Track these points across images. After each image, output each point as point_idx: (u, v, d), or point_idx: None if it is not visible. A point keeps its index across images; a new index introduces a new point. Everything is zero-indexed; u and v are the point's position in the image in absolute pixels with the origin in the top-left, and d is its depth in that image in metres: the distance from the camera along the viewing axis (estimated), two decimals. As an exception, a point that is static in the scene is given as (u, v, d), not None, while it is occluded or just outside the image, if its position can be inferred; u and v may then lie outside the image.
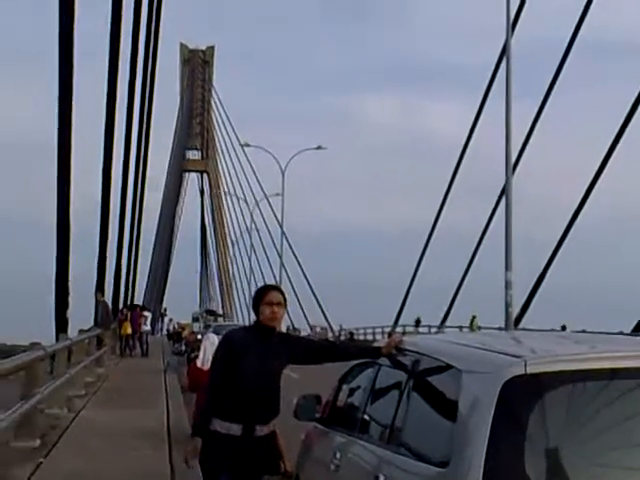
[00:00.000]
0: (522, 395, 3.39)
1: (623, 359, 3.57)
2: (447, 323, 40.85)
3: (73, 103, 16.73)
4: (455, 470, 3.40)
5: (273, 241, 65.23)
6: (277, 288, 5.49)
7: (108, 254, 27.86)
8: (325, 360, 5.50)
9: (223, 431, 4.99)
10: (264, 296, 5.21)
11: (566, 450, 3.28)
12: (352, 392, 5.58)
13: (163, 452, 10.16)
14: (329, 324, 56.90)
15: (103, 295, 25.98)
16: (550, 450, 3.29)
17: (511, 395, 3.37)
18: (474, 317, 38.03)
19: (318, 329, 57.34)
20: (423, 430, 4.08)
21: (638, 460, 3.32)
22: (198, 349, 13.64)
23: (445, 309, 40.10)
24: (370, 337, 47.34)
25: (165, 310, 46.88)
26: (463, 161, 37.18)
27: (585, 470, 3.26)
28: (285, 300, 5.31)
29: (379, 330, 49.25)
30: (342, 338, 49.63)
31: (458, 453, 3.43)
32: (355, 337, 49.21)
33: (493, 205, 32.74)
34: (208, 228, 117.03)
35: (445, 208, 39.62)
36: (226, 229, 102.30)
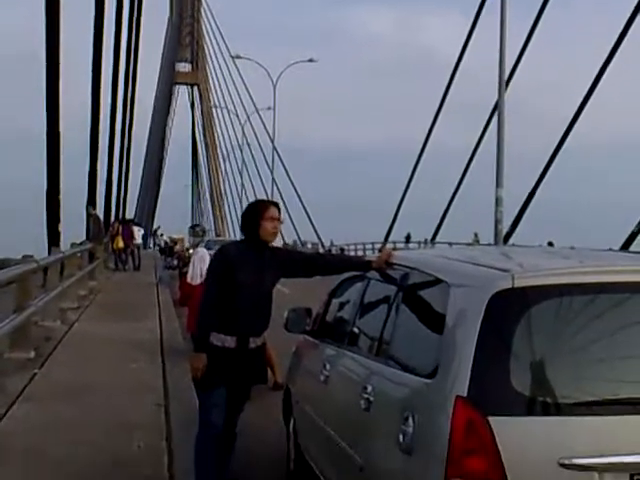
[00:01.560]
0: (509, 308, 3.44)
1: (610, 273, 3.61)
2: (437, 239, 41.00)
3: (61, 12, 16.41)
4: (441, 381, 3.47)
5: (265, 157, 64.86)
6: (275, 204, 5.50)
7: (99, 167, 27.70)
8: (316, 273, 5.56)
9: (218, 344, 5.07)
10: (265, 211, 5.21)
11: (551, 362, 3.34)
12: (342, 305, 5.66)
13: (156, 364, 10.32)
14: (320, 240, 57.06)
15: (94, 209, 25.95)
16: (535, 362, 3.35)
17: (498, 308, 3.42)
18: (476, 234, 38.18)
19: (309, 245, 57.56)
20: (411, 342, 4.15)
21: (622, 373, 3.39)
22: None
23: (435, 226, 40.17)
24: (361, 253, 47.58)
25: (158, 229, 46.77)
26: (456, 77, 36.69)
27: (570, 382, 3.33)
28: (281, 216, 5.36)
29: (369, 246, 49.50)
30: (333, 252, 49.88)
31: (445, 365, 3.50)
32: (346, 253, 49.40)
33: (485, 122, 32.49)
34: (199, 143, 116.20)
35: (437, 125, 39.26)
36: (217, 144, 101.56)
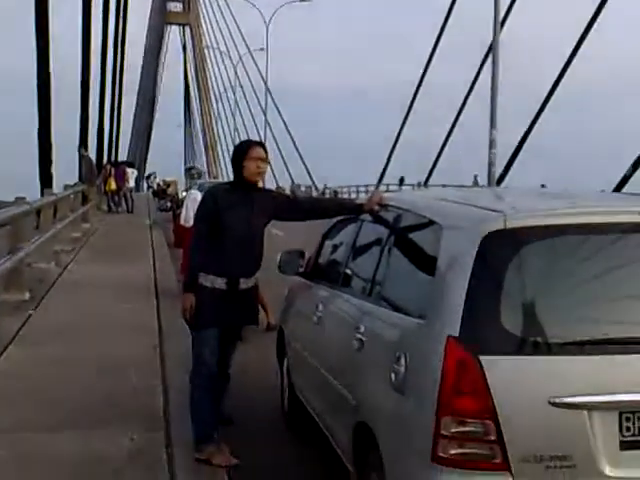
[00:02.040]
0: (501, 249, 3.44)
1: (601, 214, 3.62)
2: (431, 182, 40.94)
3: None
4: (433, 321, 3.49)
5: (257, 98, 64.35)
6: (261, 144, 5.50)
7: (90, 109, 27.47)
8: (309, 217, 5.56)
9: (209, 285, 5.09)
10: (248, 151, 5.23)
11: (542, 303, 3.35)
12: (335, 247, 5.67)
13: (151, 305, 10.38)
14: (313, 183, 56.97)
15: (86, 150, 25.80)
16: (527, 303, 3.36)
17: (490, 249, 3.43)
18: (475, 177, 38.04)
19: (302, 188, 57.47)
20: (404, 283, 4.17)
21: (612, 313, 3.41)
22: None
23: (429, 168, 40.08)
24: (354, 196, 47.55)
25: (152, 174, 46.44)
26: (451, 17, 36.18)
27: (560, 322, 3.36)
28: (267, 156, 5.34)
29: (363, 189, 49.42)
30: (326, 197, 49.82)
31: (437, 305, 3.52)
32: (339, 196, 49.37)
33: (480, 62, 32.16)
34: (191, 84, 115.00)
35: (432, 65, 38.86)
36: (209, 85, 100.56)
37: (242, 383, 6.72)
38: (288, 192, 49.21)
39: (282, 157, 58.80)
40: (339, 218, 5.68)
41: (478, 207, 3.89)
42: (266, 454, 5.65)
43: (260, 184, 5.56)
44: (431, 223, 4.00)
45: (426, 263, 3.81)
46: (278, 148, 58.41)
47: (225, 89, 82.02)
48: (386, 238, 4.55)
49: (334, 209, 5.70)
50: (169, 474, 4.80)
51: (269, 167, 5.54)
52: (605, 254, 3.53)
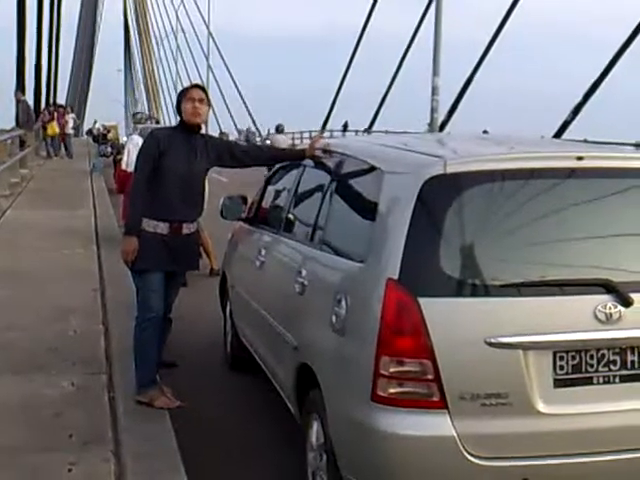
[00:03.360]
0: (441, 194, 3.48)
1: (541, 159, 3.68)
2: (374, 128, 40.95)
3: None
4: (374, 264, 3.54)
5: (200, 43, 63.20)
6: (199, 86, 5.47)
7: (27, 51, 26.72)
8: (251, 163, 5.54)
9: (150, 229, 5.06)
10: (186, 93, 5.23)
11: (481, 246, 3.42)
12: (277, 192, 5.68)
13: (91, 251, 10.29)
14: (257, 128, 56.50)
15: (24, 94, 25.16)
16: (465, 246, 3.42)
17: (430, 194, 3.46)
18: (429, 124, 38.06)
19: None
20: (345, 228, 4.20)
21: (548, 256, 3.49)
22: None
23: (372, 114, 40.02)
24: (298, 142, 47.40)
25: (95, 123, 45.55)
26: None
27: (498, 265, 3.43)
28: (208, 99, 5.29)
29: (307, 135, 49.22)
30: (268, 142, 49.53)
31: (377, 249, 3.56)
32: (252, 141, 49.07)
33: (423, 9, 32.03)
34: (132, 28, 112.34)
35: (376, 11, 38.59)
36: (150, 29, 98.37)
37: (186, 327, 6.75)
38: (240, 138, 48.76)
39: (225, 103, 58.10)
40: (282, 164, 5.68)
41: (419, 152, 3.92)
42: (210, 397, 5.69)
43: (203, 130, 5.52)
44: (372, 168, 4.02)
45: (367, 208, 3.84)
46: (221, 93, 57.68)
47: (167, 33, 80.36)
48: (328, 183, 4.56)
49: (276, 156, 5.70)
50: (111, 417, 4.81)
51: (212, 112, 5.49)
52: (542, 198, 3.58)
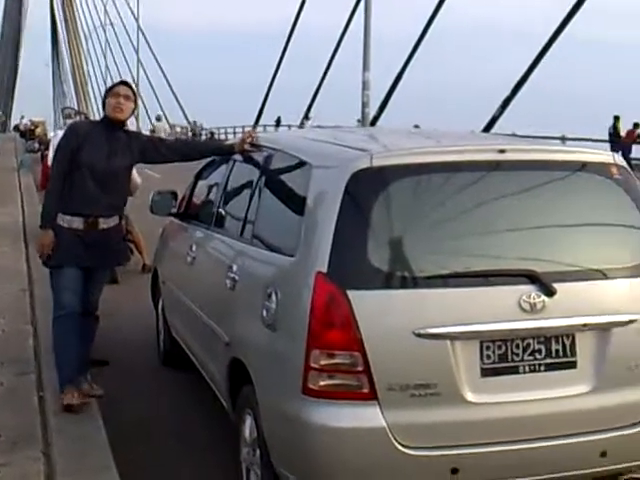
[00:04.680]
0: (368, 188, 3.51)
1: (465, 153, 3.73)
2: (309, 123, 41.02)
3: None
4: (303, 258, 3.55)
5: (129, 37, 62.38)
6: (125, 82, 5.42)
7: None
8: (177, 159, 5.47)
9: (65, 225, 4.98)
10: (111, 89, 5.21)
11: (408, 238, 3.46)
12: (207, 187, 5.65)
13: (19, 250, 10.09)
14: (189, 123, 56.06)
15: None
16: (393, 239, 3.46)
17: (357, 188, 3.49)
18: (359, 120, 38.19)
19: (178, 129, 56.52)
20: (275, 222, 4.21)
21: (473, 247, 3.55)
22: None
23: (305, 109, 40.09)
24: (231, 136, 47.17)
25: (22, 119, 44.56)
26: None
27: (425, 257, 3.47)
28: (135, 96, 5.24)
29: (240, 130, 49.04)
30: (203, 137, 49.17)
31: (306, 243, 3.57)
32: (216, 136, 48.82)
33: (354, 4, 32.16)
34: (59, 21, 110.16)
35: (307, 6, 38.61)
36: (78, 22, 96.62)
37: (118, 324, 6.69)
38: (178, 132, 48.11)
39: (157, 98, 57.48)
40: (212, 158, 5.65)
41: (346, 146, 3.95)
42: (142, 394, 5.66)
43: (132, 127, 5.46)
44: (301, 162, 4.03)
45: (296, 202, 3.85)
46: (152, 88, 57.09)
47: (95, 27, 79.09)
48: (258, 178, 4.57)
49: (205, 150, 5.66)
50: (40, 417, 4.74)
51: (143, 108, 5.44)
52: (467, 190, 3.64)
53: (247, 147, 4.90)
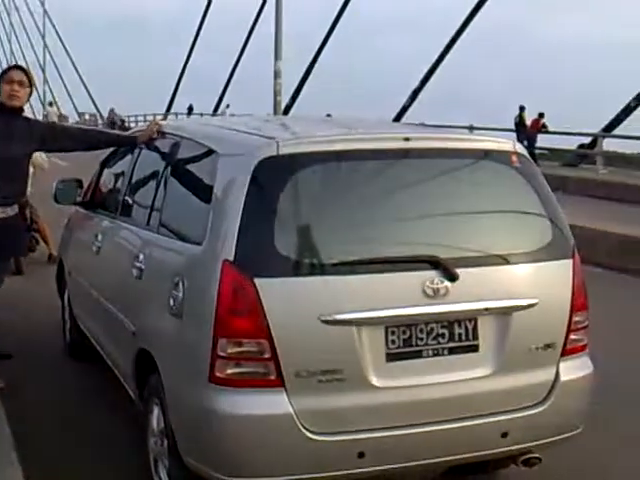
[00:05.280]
0: (274, 175, 3.50)
1: (371, 141, 3.77)
2: (219, 111, 40.77)
3: None
4: (210, 247, 3.53)
5: (35, 22, 60.80)
6: (20, 67, 5.27)
7: None
8: (78, 147, 5.37)
9: None
10: (4, 74, 5.07)
11: (315, 226, 3.47)
12: (114, 175, 5.57)
13: None
14: (98, 111, 55.07)
15: None
16: (300, 227, 3.47)
17: (263, 176, 3.48)
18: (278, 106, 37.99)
19: (87, 116, 55.44)
20: (182, 211, 4.17)
21: (379, 234, 3.58)
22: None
23: (217, 98, 39.92)
24: (142, 124, 46.47)
25: None
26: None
27: (332, 244, 3.49)
28: (30, 81, 5.11)
29: (150, 117, 48.38)
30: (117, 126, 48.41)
31: (213, 231, 3.54)
32: (126, 124, 48.08)
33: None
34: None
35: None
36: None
37: (23, 316, 6.54)
38: (90, 121, 46.97)
39: (65, 85, 56.27)
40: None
41: (253, 134, 3.94)
42: (48, 386, 5.55)
43: (31, 115, 5.33)
44: (208, 150, 4.00)
45: (203, 190, 3.82)
46: (59, 75, 55.82)
47: (-1, 10, 76.79)
48: (164, 166, 4.51)
49: (106, 141, 5.55)
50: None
51: (36, 93, 5.30)
52: (373, 178, 3.69)
53: (148, 140, 4.83)
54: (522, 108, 27.24)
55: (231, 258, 3.37)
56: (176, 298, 3.64)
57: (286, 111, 24.09)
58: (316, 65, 28.71)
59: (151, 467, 3.98)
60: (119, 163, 5.53)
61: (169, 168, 4.45)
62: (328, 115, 17.51)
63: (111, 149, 5.69)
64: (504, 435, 3.60)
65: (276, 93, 18.59)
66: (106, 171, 5.80)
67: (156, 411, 3.90)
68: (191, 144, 4.28)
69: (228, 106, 41.04)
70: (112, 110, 50.99)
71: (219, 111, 39.91)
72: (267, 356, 3.32)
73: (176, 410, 3.63)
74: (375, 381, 3.42)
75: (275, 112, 18.81)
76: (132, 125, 44.99)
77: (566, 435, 3.81)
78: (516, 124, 26.84)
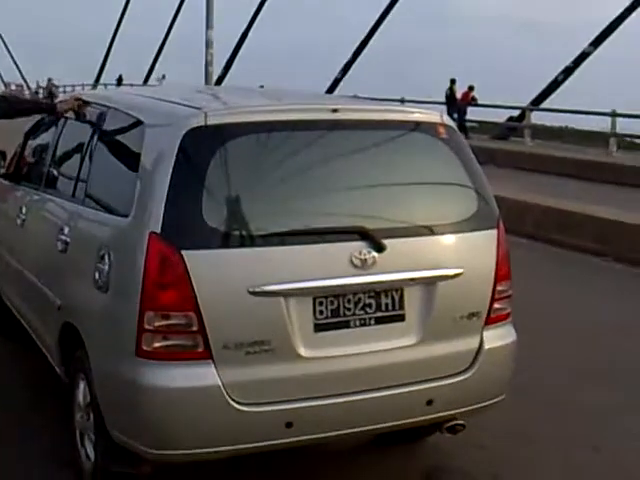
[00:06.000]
0: (202, 146, 3.46)
1: (299, 112, 3.75)
2: (149, 82, 40.16)
3: None
4: (137, 219, 3.48)
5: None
6: None
7: None
8: None
9: None
10: None
11: (245, 198, 3.44)
12: (38, 147, 5.43)
13: None
14: (25, 81, 53.76)
15: None
16: (229, 199, 3.43)
17: (191, 146, 3.44)
18: (164, 75, 37.37)
19: (13, 86, 54.07)
20: (108, 183, 4.10)
21: (308, 206, 3.58)
22: None
23: (147, 68, 39.27)
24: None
25: None
26: None
27: (261, 216, 3.48)
28: None
29: (80, 88, 47.43)
30: (40, 96, 47.25)
31: (140, 203, 3.49)
32: (55, 95, 47.04)
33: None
34: None
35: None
36: None
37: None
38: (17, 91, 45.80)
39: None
40: (42, 116, 5.42)
41: (181, 104, 3.88)
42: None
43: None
44: (135, 120, 3.93)
45: (130, 162, 3.76)
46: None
47: None
48: (90, 137, 4.42)
49: (23, 108, 5.36)
50: None
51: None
52: (302, 149, 3.67)
53: (65, 113, 4.73)
54: (453, 81, 27.46)
55: (158, 230, 3.33)
56: (102, 271, 3.60)
57: (219, 82, 23.85)
58: (252, 35, 28.47)
59: (77, 442, 3.95)
60: (44, 134, 5.40)
61: (95, 139, 4.37)
62: (261, 86, 17.41)
63: (35, 119, 5.55)
64: (429, 403, 3.66)
65: (207, 63, 18.35)
66: (30, 142, 5.66)
67: (82, 386, 3.86)
68: (118, 114, 4.21)
69: (164, 77, 40.46)
70: (50, 80, 49.81)
71: (151, 81, 39.32)
72: (195, 329, 3.30)
73: (102, 384, 3.60)
74: (303, 352, 3.43)
75: (207, 83, 18.61)
76: (60, 96, 44.01)
77: (490, 402, 3.89)
78: (447, 97, 27.06)
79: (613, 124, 20.37)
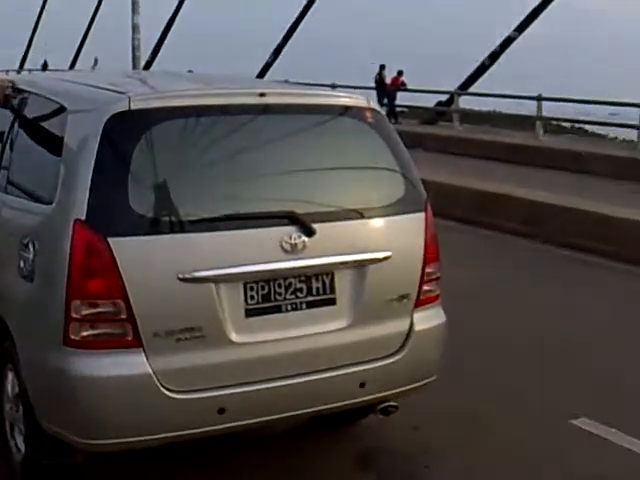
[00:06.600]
0: (126, 131, 3.41)
1: (226, 96, 3.73)
2: (79, 67, 39.42)
3: None
4: (61, 206, 3.42)
5: None
6: None
7: None
8: None
9: None
10: None
11: (172, 184, 3.40)
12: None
13: None
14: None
15: None
16: (156, 185, 3.39)
17: (115, 132, 3.38)
18: (96, 59, 36.65)
19: None
20: (32, 169, 4.03)
21: (238, 190, 3.56)
22: None
23: (73, 53, 38.51)
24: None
25: None
26: None
27: (189, 201, 3.44)
28: None
29: (3, 74, 46.29)
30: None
31: (64, 190, 3.44)
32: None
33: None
34: None
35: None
36: None
37: None
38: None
39: None
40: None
41: (105, 89, 3.81)
42: None
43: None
44: (58, 106, 3.85)
45: (53, 148, 3.69)
46: None
47: None
48: (11, 123, 4.33)
49: None
50: None
51: None
52: (230, 134, 3.65)
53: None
54: (382, 67, 27.55)
55: (83, 217, 3.28)
56: (27, 260, 3.53)
57: (147, 66, 23.55)
58: (179, 20, 28.14)
59: (7, 433, 3.89)
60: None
61: (16, 125, 4.27)
62: (190, 71, 17.25)
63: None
64: (362, 385, 3.69)
65: (135, 48, 18.14)
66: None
67: (10, 377, 3.80)
68: (40, 100, 4.12)
69: (97, 61, 39.69)
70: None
71: (83, 66, 38.58)
72: (123, 317, 3.27)
73: (31, 375, 3.54)
74: (234, 337, 3.42)
75: (134, 67, 18.36)
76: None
77: (421, 383, 3.94)
78: (376, 82, 27.16)
79: (539, 108, 20.72)
